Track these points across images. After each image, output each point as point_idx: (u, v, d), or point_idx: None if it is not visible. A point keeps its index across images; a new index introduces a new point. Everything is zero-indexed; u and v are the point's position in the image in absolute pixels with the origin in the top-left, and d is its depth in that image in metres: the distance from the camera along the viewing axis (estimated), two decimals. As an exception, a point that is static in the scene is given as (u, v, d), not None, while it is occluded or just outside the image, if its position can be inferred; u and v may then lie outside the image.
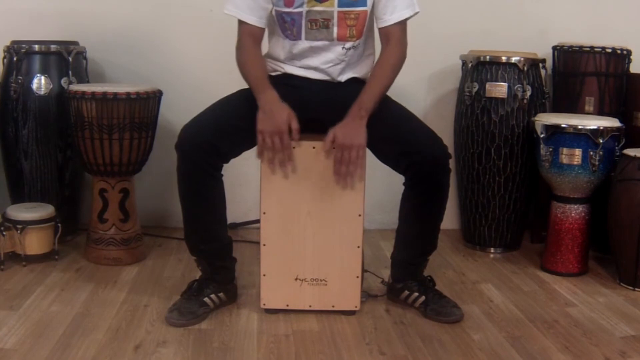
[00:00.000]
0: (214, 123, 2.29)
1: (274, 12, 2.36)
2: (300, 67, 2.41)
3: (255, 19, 2.35)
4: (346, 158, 2.24)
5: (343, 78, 2.43)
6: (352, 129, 2.25)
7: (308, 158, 2.32)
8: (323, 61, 2.40)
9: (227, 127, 2.29)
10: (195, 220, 2.37)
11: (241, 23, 2.37)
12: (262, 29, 2.39)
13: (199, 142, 2.24)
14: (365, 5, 2.34)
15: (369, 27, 2.41)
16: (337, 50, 2.38)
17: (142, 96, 2.79)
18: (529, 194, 3.18)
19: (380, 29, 2.40)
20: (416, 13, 2.37)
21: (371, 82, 2.35)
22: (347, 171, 2.26)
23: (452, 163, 2.37)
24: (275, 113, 2.24)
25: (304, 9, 2.32)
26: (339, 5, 2.32)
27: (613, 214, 2.77)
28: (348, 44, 2.38)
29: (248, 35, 2.36)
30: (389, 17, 2.36)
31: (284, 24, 2.36)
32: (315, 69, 2.40)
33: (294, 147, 2.29)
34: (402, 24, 2.38)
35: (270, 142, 2.24)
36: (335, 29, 2.35)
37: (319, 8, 2.32)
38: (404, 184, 2.36)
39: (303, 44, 2.37)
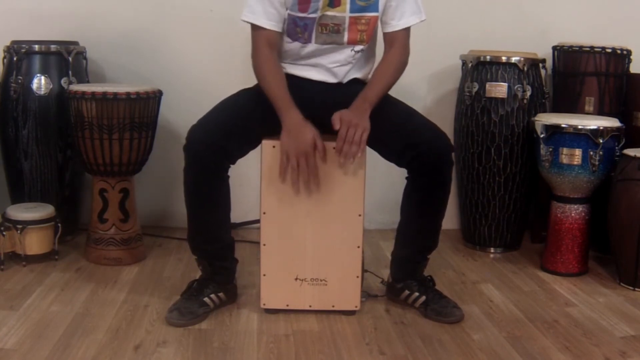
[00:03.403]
0: (222, 124, 2.29)
1: (286, 16, 2.36)
2: (306, 65, 2.41)
3: (273, 24, 2.32)
4: (350, 136, 2.22)
5: (346, 79, 2.44)
6: (357, 113, 2.26)
7: (308, 158, 2.32)
8: (331, 61, 2.40)
9: (235, 128, 2.29)
10: (200, 220, 2.37)
11: (257, 29, 2.34)
12: (280, 34, 2.36)
13: (208, 144, 2.24)
14: (376, 10, 2.35)
15: (375, 30, 2.42)
16: (347, 52, 2.39)
17: (142, 96, 2.79)
18: (529, 194, 3.18)
19: (385, 33, 2.41)
20: (422, 20, 2.39)
21: (374, 79, 2.36)
22: (349, 151, 2.24)
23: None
24: (300, 133, 2.23)
25: (318, 14, 2.32)
26: (351, 11, 2.33)
27: (613, 214, 2.77)
28: (358, 47, 2.39)
29: (265, 42, 2.33)
30: (397, 22, 2.38)
31: (295, 29, 2.36)
32: (322, 67, 2.41)
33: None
34: (408, 30, 2.40)
35: (296, 162, 2.23)
36: (346, 34, 2.35)
37: (330, 13, 2.32)
38: (407, 178, 2.37)
39: (312, 47, 2.37)
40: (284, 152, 2.24)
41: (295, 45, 2.38)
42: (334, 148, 2.26)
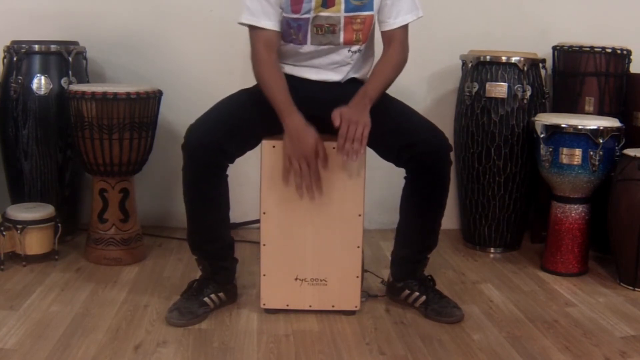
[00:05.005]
0: (221, 123, 2.29)
1: (281, 18, 2.36)
2: (304, 66, 2.42)
3: (272, 24, 2.31)
4: (352, 133, 2.21)
5: (344, 79, 2.44)
6: (357, 109, 2.25)
7: (308, 158, 2.32)
8: (329, 62, 2.40)
9: (233, 128, 2.29)
10: (199, 220, 2.37)
11: (256, 31, 2.32)
12: (279, 34, 2.35)
13: (207, 143, 2.24)
14: (371, 9, 2.35)
15: (372, 30, 2.41)
16: (344, 53, 2.39)
17: (142, 96, 2.79)
18: (529, 194, 3.18)
19: (383, 32, 2.41)
20: (419, 17, 2.39)
21: (374, 76, 2.36)
22: (351, 148, 2.23)
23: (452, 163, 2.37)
24: (302, 138, 2.24)
25: (311, 15, 2.32)
26: (346, 11, 2.32)
27: (613, 214, 2.77)
28: (354, 47, 2.39)
29: (263, 44, 2.32)
30: (393, 20, 2.37)
31: (289, 30, 2.36)
32: (320, 68, 2.41)
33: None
34: (405, 28, 2.39)
35: (298, 167, 2.24)
36: (341, 34, 2.35)
37: (325, 13, 2.32)
38: (405, 177, 2.37)
39: (308, 48, 2.37)
40: (287, 155, 2.25)
41: (291, 46, 2.38)
42: (334, 148, 2.26)
